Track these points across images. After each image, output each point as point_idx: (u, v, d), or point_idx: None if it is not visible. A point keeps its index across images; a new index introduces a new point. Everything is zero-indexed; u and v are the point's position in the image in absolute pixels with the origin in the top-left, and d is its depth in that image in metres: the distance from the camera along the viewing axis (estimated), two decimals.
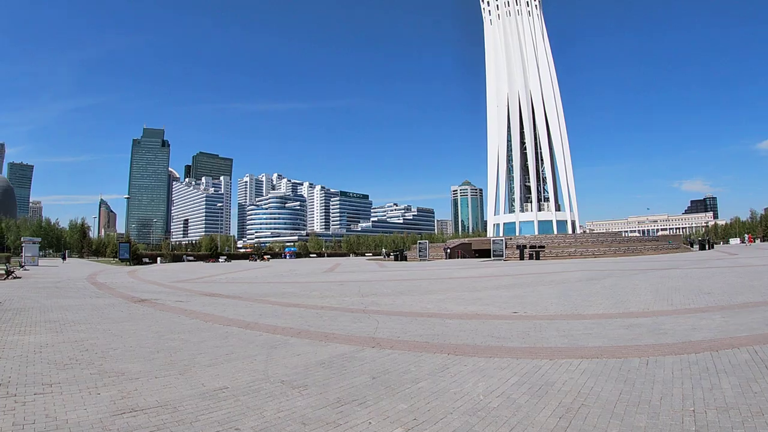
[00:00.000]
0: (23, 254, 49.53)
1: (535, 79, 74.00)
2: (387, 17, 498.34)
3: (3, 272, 26.04)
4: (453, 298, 13.87)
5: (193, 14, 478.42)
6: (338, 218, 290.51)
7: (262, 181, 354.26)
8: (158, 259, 67.21)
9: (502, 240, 48.51)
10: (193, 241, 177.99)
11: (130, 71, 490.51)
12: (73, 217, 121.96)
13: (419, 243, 59.34)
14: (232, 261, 74.22)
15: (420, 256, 55.78)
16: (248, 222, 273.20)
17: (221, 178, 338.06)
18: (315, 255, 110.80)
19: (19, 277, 27.51)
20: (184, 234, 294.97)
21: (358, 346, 7.28)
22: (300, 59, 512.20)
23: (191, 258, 77.11)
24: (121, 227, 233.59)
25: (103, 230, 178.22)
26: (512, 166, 76.00)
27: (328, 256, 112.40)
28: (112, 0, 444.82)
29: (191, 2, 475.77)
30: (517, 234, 68.83)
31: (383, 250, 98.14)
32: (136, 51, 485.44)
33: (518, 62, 75.02)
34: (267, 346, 7.47)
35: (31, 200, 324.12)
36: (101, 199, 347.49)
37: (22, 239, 58.28)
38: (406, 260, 54.64)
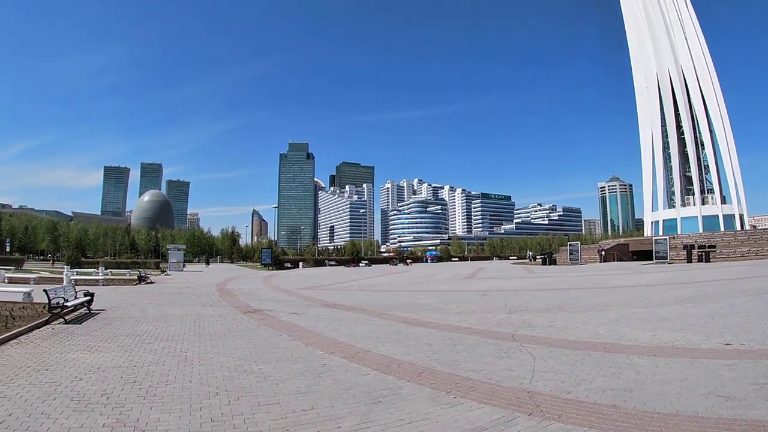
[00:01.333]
0: (169, 260, 61.16)
1: (685, 52, 78.77)
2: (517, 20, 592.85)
3: (136, 278, 33.47)
4: (629, 318, 13.36)
5: (326, 37, 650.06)
6: (480, 221, 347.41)
7: (404, 186, 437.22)
8: (300, 264, 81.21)
9: (665, 240, 52.79)
10: (338, 246, 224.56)
11: (275, 91, 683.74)
12: (228, 226, 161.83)
13: (570, 245, 65.35)
14: (373, 265, 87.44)
15: (571, 259, 60.85)
16: (391, 227, 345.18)
17: (364, 185, 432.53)
18: (457, 259, 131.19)
19: (152, 283, 35.34)
20: (330, 240, 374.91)
21: (505, 408, 6.09)
22: (433, 68, 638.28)
23: (333, 263, 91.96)
24: (272, 235, 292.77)
25: (256, 237, 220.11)
26: (669, 154, 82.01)
27: (471, 259, 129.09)
28: (258, 28, 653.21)
29: (325, 27, 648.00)
30: (679, 232, 73.29)
31: (529, 252, 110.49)
32: (279, 72, 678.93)
33: (663, 35, 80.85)
34: (366, 400, 6.58)
35: (188, 213, 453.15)
36: (254, 210, 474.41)
37: (167, 246, 71.75)
38: (555, 264, 59.89)
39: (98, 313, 16.51)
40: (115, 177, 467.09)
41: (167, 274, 50.40)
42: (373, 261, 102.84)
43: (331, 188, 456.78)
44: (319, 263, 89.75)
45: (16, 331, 12.36)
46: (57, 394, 6.84)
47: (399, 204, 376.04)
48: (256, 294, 24.59)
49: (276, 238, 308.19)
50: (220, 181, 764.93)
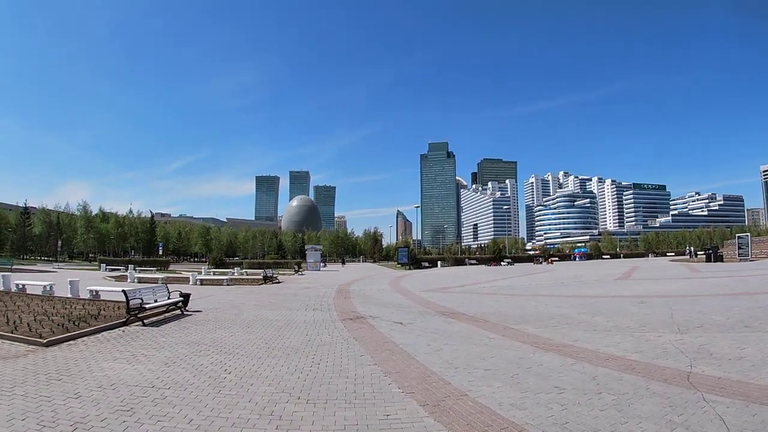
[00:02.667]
0: (307, 260, 63.70)
1: None
2: None
3: (261, 277, 34.93)
4: None
5: (462, 29, 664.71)
6: (632, 214, 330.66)
7: (548, 180, 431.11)
8: (439, 263, 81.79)
9: None
10: (482, 245, 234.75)
11: (413, 91, 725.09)
12: (371, 227, 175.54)
13: (738, 237, 61.18)
14: (516, 264, 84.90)
15: (740, 254, 57.15)
16: (536, 223, 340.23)
17: (507, 181, 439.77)
18: (608, 256, 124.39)
19: (279, 283, 36.39)
20: (474, 238, 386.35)
21: None
22: (574, 52, 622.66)
23: (473, 262, 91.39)
24: (417, 235, 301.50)
25: (400, 237, 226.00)
26: None
27: (623, 257, 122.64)
28: (394, 27, 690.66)
29: (461, 18, 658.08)
30: None
31: (689, 248, 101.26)
32: (417, 72, 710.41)
33: None
34: None
35: (336, 215, 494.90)
36: (398, 211, 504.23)
37: (306, 247, 74.47)
38: (721, 260, 56.13)
39: (189, 315, 16.28)
40: (267, 185, 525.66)
41: (301, 274, 52.55)
42: (516, 259, 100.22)
43: (473, 186, 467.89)
44: (459, 262, 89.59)
45: (76, 332, 12.26)
46: (26, 416, 6.27)
47: (544, 199, 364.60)
48: (372, 297, 23.49)
49: (420, 238, 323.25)
50: (365, 184, 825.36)
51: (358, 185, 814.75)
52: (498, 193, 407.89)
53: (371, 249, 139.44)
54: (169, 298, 17.06)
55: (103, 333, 12.71)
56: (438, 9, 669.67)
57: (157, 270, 56.18)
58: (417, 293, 25.33)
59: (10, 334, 11.98)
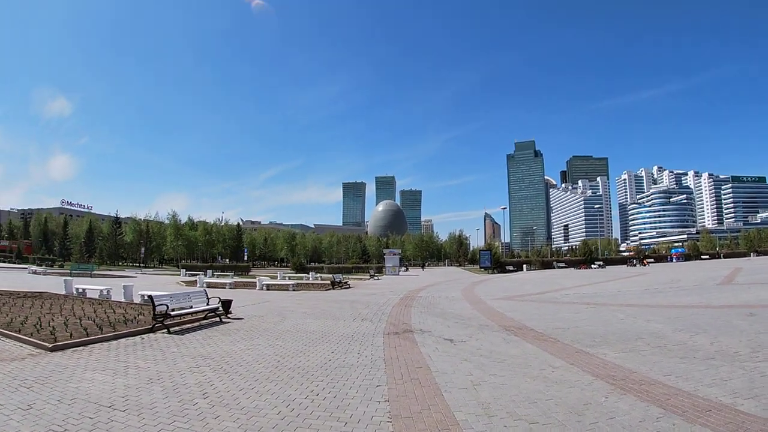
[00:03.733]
0: (385, 264, 62.91)
1: None
2: None
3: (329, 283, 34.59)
4: None
5: (546, 22, 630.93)
6: (731, 209, 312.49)
7: (641, 176, 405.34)
8: (524, 266, 79.07)
9: None
10: (573, 246, 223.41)
11: (496, 94, 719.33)
12: (456, 230, 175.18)
13: None
14: (608, 267, 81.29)
15: None
16: (630, 222, 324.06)
17: (598, 179, 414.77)
18: (707, 256, 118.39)
19: (348, 288, 35.76)
20: (564, 239, 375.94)
21: None
22: (666, 40, 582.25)
23: (562, 265, 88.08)
24: (505, 237, 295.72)
25: (488, 240, 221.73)
26: None
27: (722, 257, 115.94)
28: (478, 28, 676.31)
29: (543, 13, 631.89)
30: None
31: None
32: (498, 73, 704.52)
33: None
34: None
35: (422, 219, 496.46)
36: (485, 213, 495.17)
37: (384, 251, 73.75)
38: None
39: (227, 323, 15.47)
40: (354, 191, 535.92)
41: (377, 279, 51.70)
42: (609, 262, 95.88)
43: (563, 185, 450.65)
44: (547, 266, 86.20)
45: (89, 338, 11.81)
46: None
47: (638, 196, 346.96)
48: (436, 305, 21.50)
49: (509, 240, 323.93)
50: (451, 188, 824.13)
51: (444, 189, 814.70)
52: (589, 192, 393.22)
53: (456, 252, 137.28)
54: (208, 304, 16.29)
55: (121, 340, 12.24)
56: (521, 7, 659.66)
57: (234, 275, 57.43)
58: (488, 302, 23.15)
59: (22, 336, 11.83)
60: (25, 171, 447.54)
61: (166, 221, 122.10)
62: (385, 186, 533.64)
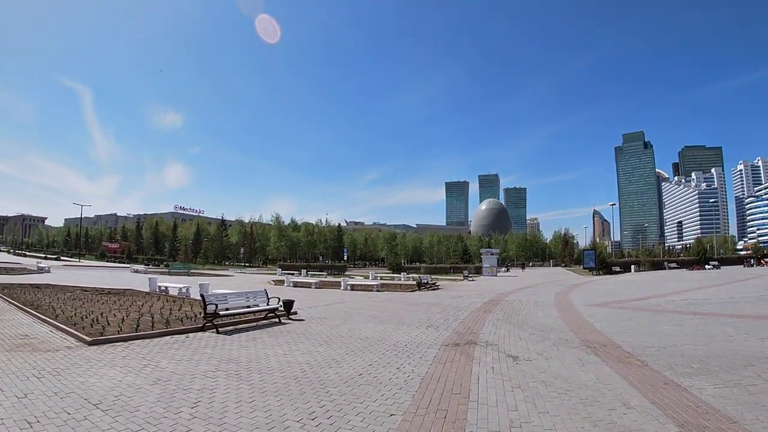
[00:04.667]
0: (483, 264, 61.80)
1: None
2: None
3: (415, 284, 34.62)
4: None
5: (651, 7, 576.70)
6: None
7: (758, 166, 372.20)
8: (632, 267, 73.38)
9: None
10: (687, 245, 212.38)
11: (601, 84, 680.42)
12: (561, 228, 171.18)
13: None
14: (723, 267, 74.55)
15: None
16: (748, 217, 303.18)
17: (712, 170, 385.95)
18: None
19: (436, 289, 34.64)
20: (678, 237, 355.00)
21: None
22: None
23: (673, 265, 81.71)
24: (615, 235, 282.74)
25: (598, 239, 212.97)
26: None
27: None
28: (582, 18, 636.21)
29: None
30: None
31: None
32: (603, 60, 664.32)
33: None
34: None
35: (528, 218, 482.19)
36: (594, 210, 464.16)
37: (482, 251, 72.04)
38: None
39: (285, 324, 15.15)
40: (456, 191, 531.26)
41: (471, 280, 49.68)
42: (724, 261, 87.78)
43: (675, 178, 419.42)
44: (657, 266, 79.76)
45: (135, 333, 11.97)
46: None
47: (755, 188, 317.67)
48: (518, 312, 19.72)
49: (619, 239, 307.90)
50: (557, 184, 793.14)
51: (550, 185, 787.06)
52: (703, 185, 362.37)
53: (561, 252, 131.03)
54: (268, 304, 16.08)
55: (166, 337, 12.24)
56: None
57: (328, 275, 58.40)
58: (579, 308, 21.04)
59: (70, 329, 12.21)
60: (142, 180, 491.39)
61: (271, 223, 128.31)
62: (488, 184, 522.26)
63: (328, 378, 8.35)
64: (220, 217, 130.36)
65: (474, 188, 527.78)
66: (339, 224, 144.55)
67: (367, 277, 50.14)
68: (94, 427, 5.92)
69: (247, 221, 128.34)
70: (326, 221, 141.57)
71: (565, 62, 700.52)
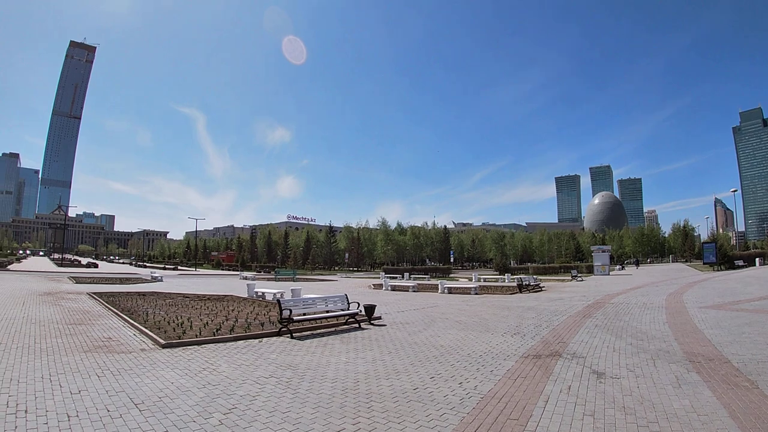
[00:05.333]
0: (594, 263, 59.31)
1: None
2: None
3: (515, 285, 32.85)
4: None
5: None
6: None
7: None
8: (756, 260, 63.94)
9: None
10: None
11: (710, 60, 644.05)
12: (680, 220, 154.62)
13: None
14: None
15: None
16: None
17: None
18: None
19: (540, 290, 33.49)
20: None
21: None
22: None
23: None
24: (740, 225, 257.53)
25: (721, 230, 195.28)
26: None
27: None
28: None
29: None
30: None
31: None
32: (710, 36, 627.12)
33: None
34: None
35: (645, 210, 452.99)
36: (715, 199, 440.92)
37: (592, 248, 68.36)
38: None
39: (364, 330, 14.90)
40: (567, 185, 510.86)
41: (579, 280, 46.77)
42: None
43: None
44: None
45: (209, 338, 12.31)
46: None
47: None
48: (621, 316, 17.83)
49: (743, 229, 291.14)
50: (674, 173, 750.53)
51: (666, 174, 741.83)
52: None
53: (681, 246, 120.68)
54: (348, 309, 16.03)
55: (240, 342, 12.46)
56: None
57: (431, 277, 58.30)
58: (691, 311, 18.74)
59: (150, 333, 12.76)
60: (256, 193, 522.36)
61: (378, 228, 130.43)
62: (600, 176, 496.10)
63: (379, 391, 7.86)
64: (328, 224, 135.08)
65: (585, 182, 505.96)
66: (445, 226, 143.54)
67: (470, 279, 49.22)
68: (124, 425, 6.11)
69: (354, 227, 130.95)
70: (433, 224, 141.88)
71: (666, 43, 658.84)
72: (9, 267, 61.82)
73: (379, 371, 9.26)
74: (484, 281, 47.64)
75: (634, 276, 52.91)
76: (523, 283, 33.95)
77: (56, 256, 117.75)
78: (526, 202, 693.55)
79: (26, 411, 6.60)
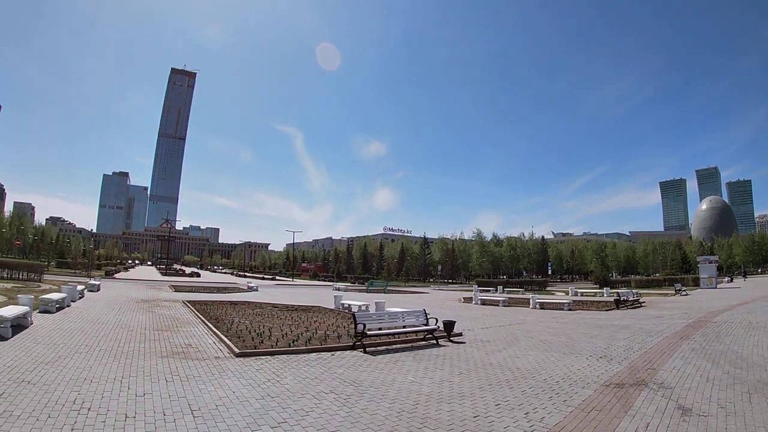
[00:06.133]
0: (700, 275, 57.31)
1: None
2: None
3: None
4: None
5: None
6: None
7: None
8: None
9: None
10: None
11: None
12: None
13: None
14: None
15: None
16: None
17: None
18: None
19: (639, 307, 31.33)
20: None
21: None
22: None
23: None
24: None
25: None
26: None
27: None
28: None
29: None
30: None
31: None
32: None
33: None
34: None
35: (756, 215, 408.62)
36: None
37: (698, 259, 63.79)
38: None
39: (441, 347, 14.54)
40: (672, 190, 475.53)
41: (683, 294, 42.88)
42: None
43: None
44: None
45: (282, 348, 12.65)
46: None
47: None
48: (722, 338, 15.85)
49: None
50: None
51: None
52: None
53: None
54: (426, 324, 15.70)
55: (313, 354, 12.61)
56: None
57: (525, 290, 56.88)
58: None
59: (228, 341, 13.23)
60: (354, 205, 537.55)
61: (473, 239, 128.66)
62: (707, 180, 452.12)
63: (437, 417, 7.46)
64: (423, 236, 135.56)
65: (692, 186, 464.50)
66: (543, 237, 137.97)
67: (567, 293, 47.35)
68: (174, 429, 6.39)
69: (449, 238, 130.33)
70: (531, 234, 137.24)
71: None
72: (116, 275, 66.60)
73: (443, 394, 8.85)
74: (581, 295, 45.52)
75: (742, 289, 48.43)
76: (621, 299, 31.90)
77: (162, 265, 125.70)
78: (628, 209, 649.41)
79: (89, 409, 7.06)
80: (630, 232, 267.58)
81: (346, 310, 25.49)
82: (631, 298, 33.29)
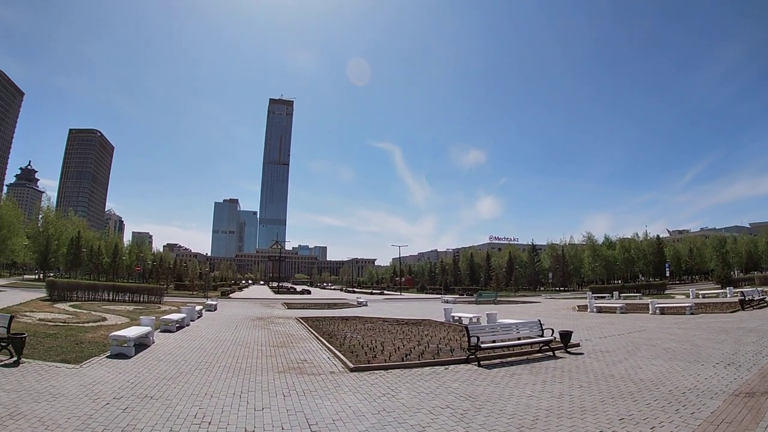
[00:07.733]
0: None
1: None
2: None
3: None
4: None
5: None
6: None
7: None
8: None
9: None
10: None
11: None
12: None
13: None
14: None
15: None
16: None
17: None
18: None
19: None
20: None
21: None
22: None
23: None
24: None
25: None
26: None
27: None
28: None
29: None
30: None
31: None
32: None
33: None
34: None
35: None
36: None
37: None
38: None
39: (560, 359, 14.03)
40: None
41: None
42: None
43: None
44: None
45: (395, 363, 12.68)
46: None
47: None
48: None
49: None
50: None
51: None
52: None
53: None
54: (542, 335, 15.20)
55: (426, 368, 12.55)
56: None
57: (642, 295, 53.41)
58: None
59: (342, 356, 13.60)
60: (457, 216, 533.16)
61: (583, 243, 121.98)
62: None
63: None
64: (530, 243, 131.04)
65: None
66: (658, 236, 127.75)
67: (687, 296, 44.23)
68: None
69: (558, 243, 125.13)
70: (645, 234, 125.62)
71: None
72: (231, 295, 70.16)
73: (564, 408, 8.51)
74: (702, 297, 42.36)
75: None
76: (746, 299, 29.38)
77: (274, 284, 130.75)
78: (747, 198, 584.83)
79: (210, 423, 7.46)
80: (750, 224, 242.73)
81: (457, 323, 25.21)
82: (756, 298, 30.57)
